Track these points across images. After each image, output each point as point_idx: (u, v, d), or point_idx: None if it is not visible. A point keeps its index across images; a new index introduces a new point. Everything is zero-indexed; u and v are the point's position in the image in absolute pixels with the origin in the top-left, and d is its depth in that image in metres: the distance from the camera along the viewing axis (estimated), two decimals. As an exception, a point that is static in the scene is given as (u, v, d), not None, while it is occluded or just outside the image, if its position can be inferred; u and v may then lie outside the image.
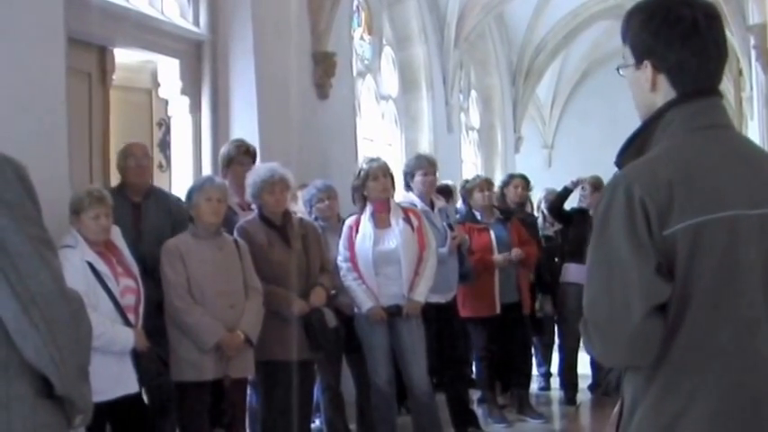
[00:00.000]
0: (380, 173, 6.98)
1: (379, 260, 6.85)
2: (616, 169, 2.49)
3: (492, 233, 8.44)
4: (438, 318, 7.54)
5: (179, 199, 6.52)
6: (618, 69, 2.52)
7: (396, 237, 6.89)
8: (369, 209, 6.97)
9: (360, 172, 7.03)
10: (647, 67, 2.40)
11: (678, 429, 2.22)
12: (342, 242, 6.94)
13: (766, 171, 2.38)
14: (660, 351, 2.23)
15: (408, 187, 7.86)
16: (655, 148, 2.34)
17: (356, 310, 6.91)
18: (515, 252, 8.46)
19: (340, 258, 6.91)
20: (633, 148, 2.41)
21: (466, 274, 7.90)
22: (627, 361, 2.31)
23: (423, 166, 7.80)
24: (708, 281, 2.21)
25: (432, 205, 7.80)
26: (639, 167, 2.29)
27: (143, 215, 6.19)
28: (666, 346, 2.23)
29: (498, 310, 8.35)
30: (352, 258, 6.88)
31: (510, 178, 9.43)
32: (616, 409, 2.44)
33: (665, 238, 2.20)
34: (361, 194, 7.02)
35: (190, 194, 6.03)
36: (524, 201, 9.33)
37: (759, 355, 2.23)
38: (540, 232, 9.65)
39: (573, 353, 9.50)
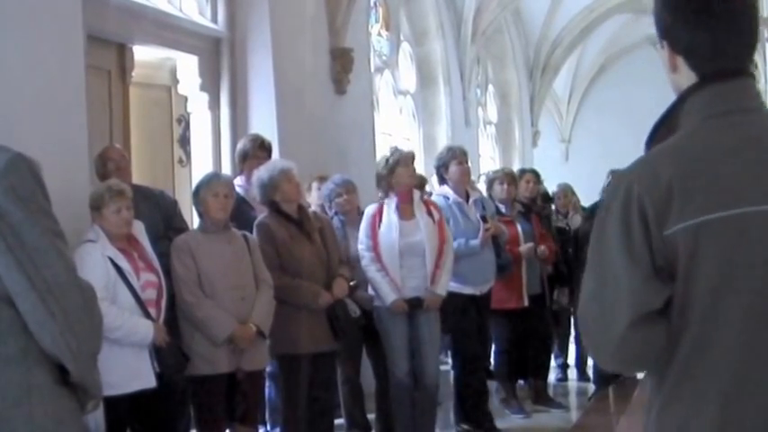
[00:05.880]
0: (410, 159, 7.00)
1: (405, 252, 6.82)
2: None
3: (519, 226, 8.49)
4: (476, 309, 7.63)
5: (162, 191, 6.55)
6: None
7: (421, 229, 6.86)
8: (393, 200, 6.92)
9: (387, 159, 6.96)
10: (665, 48, 2.25)
11: None
12: (363, 230, 6.89)
13: None
14: (667, 354, 2.11)
15: (442, 180, 7.86)
16: (662, 143, 2.20)
17: (377, 302, 6.88)
18: (541, 250, 8.55)
19: (362, 247, 6.85)
20: (664, 131, 2.25)
21: (504, 265, 7.94)
22: (613, 368, 2.25)
23: (456, 155, 7.80)
24: (707, 283, 2.06)
25: (466, 196, 7.82)
26: (642, 165, 2.16)
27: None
28: (672, 349, 2.11)
29: (526, 302, 8.40)
30: (375, 248, 6.82)
31: (521, 173, 9.44)
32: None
33: (665, 238, 2.06)
34: (388, 182, 6.96)
35: (197, 191, 6.01)
36: (535, 195, 9.36)
37: (761, 360, 2.06)
38: (553, 224, 9.69)
39: None
